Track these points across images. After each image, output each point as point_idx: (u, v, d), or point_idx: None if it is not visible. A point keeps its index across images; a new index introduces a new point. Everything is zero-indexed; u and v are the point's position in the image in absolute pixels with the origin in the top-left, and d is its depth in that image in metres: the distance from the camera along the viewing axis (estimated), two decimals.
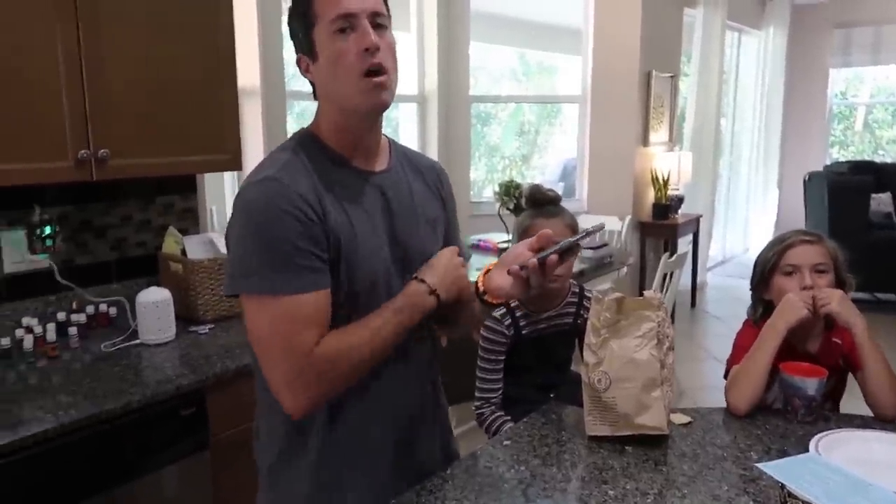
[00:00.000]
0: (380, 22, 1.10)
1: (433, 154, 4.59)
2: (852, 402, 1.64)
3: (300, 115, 3.56)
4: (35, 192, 2.02)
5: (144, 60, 1.95)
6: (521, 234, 1.78)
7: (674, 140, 5.59)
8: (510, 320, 1.82)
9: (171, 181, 2.37)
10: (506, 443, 1.40)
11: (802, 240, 1.63)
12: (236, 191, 2.94)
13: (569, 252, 1.14)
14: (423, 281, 1.18)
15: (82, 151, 1.81)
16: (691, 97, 5.82)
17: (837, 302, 1.50)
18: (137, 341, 1.97)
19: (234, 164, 2.24)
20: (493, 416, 1.79)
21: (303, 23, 1.12)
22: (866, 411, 1.53)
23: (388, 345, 1.15)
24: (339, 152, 1.17)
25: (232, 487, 1.84)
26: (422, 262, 1.22)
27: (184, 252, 2.21)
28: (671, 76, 5.35)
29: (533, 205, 1.81)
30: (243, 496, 1.78)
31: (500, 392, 1.82)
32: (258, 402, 1.25)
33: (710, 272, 6.47)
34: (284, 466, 1.21)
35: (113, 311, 2.13)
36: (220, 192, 2.86)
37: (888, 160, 7.19)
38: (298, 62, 1.16)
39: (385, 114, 1.19)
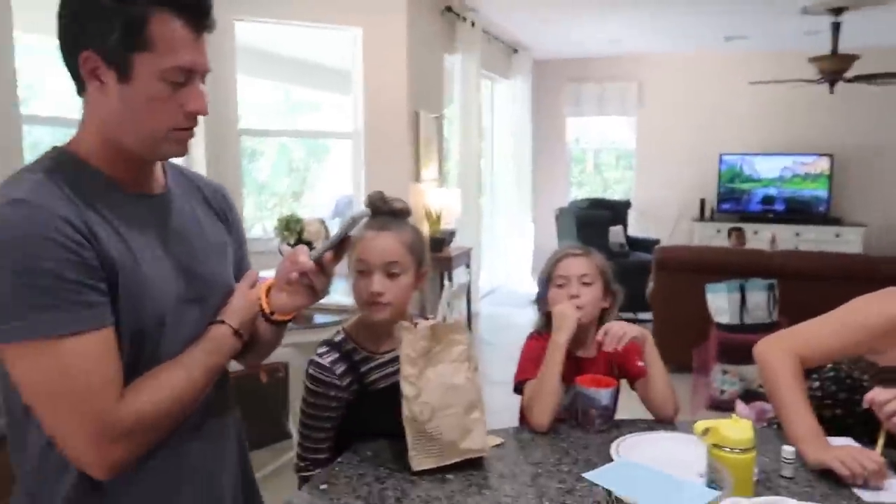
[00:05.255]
0: (203, 80, 1.03)
1: None
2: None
3: (33, 146, 3.07)
4: None
5: None
6: (341, 245, 1.16)
7: (442, 177, 5.87)
8: (344, 367, 1.43)
9: None
10: (322, 487, 1.30)
11: (570, 253, 1.75)
12: None
13: (342, 246, 1.13)
14: (224, 323, 1.09)
15: None
16: (455, 137, 6.18)
17: (632, 331, 1.59)
18: None
19: None
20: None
21: (124, 34, 0.93)
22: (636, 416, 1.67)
23: (202, 390, 1.04)
24: (109, 175, 1.01)
25: None
26: (214, 292, 1.11)
27: None
28: (437, 116, 5.64)
29: (371, 214, 1.43)
30: None
31: (329, 451, 1.48)
32: (24, 476, 1.02)
33: (482, 302, 6.85)
34: None
35: None
36: None
37: (616, 198, 8.27)
38: (82, 58, 0.95)
39: None
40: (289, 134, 5.66)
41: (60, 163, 0.99)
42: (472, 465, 1.37)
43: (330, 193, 6.50)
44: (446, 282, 4.24)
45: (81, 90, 1.00)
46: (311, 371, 1.44)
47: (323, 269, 1.11)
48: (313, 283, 1.11)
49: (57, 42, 0.98)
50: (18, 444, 1.01)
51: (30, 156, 2.79)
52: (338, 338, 1.49)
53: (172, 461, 1.05)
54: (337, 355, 1.44)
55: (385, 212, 1.43)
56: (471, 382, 1.38)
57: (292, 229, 3.41)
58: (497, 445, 1.49)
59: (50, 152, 1.01)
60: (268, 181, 6.57)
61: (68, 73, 0.99)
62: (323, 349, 1.46)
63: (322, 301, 1.18)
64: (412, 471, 1.33)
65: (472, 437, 1.34)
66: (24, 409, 0.96)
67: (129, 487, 1.00)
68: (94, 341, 0.92)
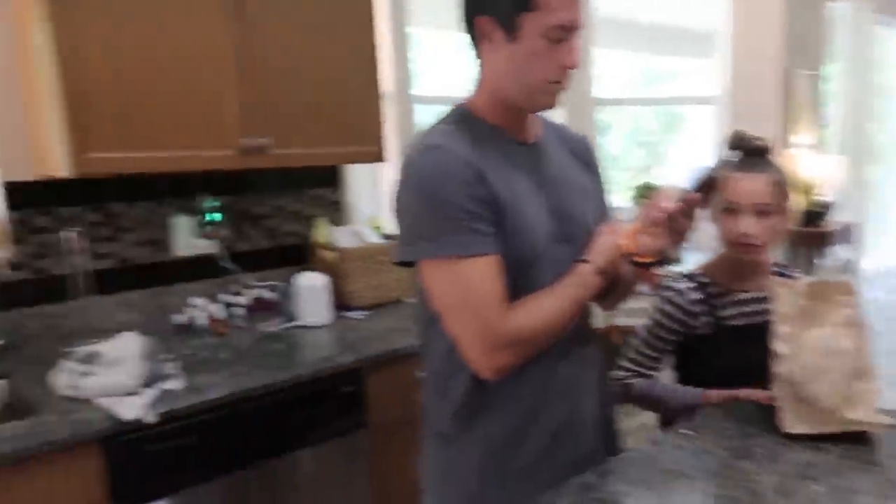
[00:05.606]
0: (577, 37, 1.12)
1: None
2: None
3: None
4: (199, 181, 2.14)
5: (299, 57, 2.02)
6: (707, 185, 1.14)
7: (819, 143, 5.22)
8: (698, 296, 1.46)
9: (316, 175, 2.46)
10: (684, 431, 1.31)
11: None
12: (374, 185, 3.01)
13: (708, 189, 1.11)
14: (589, 262, 1.17)
15: (245, 139, 1.88)
16: (838, 97, 5.43)
17: None
18: (296, 323, 2.05)
19: (380, 155, 2.29)
20: (649, 382, 1.50)
21: None
22: None
23: (570, 320, 1.14)
24: (495, 125, 1.17)
25: (389, 468, 1.88)
26: (582, 233, 1.19)
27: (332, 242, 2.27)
28: (813, 74, 5.02)
29: (734, 152, 1.45)
30: (400, 476, 1.82)
31: (655, 371, 1.51)
32: (431, 374, 1.24)
33: (870, 286, 5.91)
34: (458, 434, 1.20)
35: (272, 295, 2.20)
36: (359, 187, 2.96)
37: None
38: (478, 22, 1.12)
39: None
40: (645, 102, 5.58)
41: (462, 117, 1.17)
42: (853, 439, 1.23)
43: (683, 165, 6.26)
44: (820, 260, 3.80)
45: (479, 53, 1.17)
46: (663, 293, 1.50)
47: (688, 211, 1.11)
48: (678, 225, 1.12)
49: (443, 30, 1.16)
50: (427, 349, 1.23)
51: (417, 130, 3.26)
52: (695, 272, 1.51)
53: (543, 377, 1.18)
54: (693, 284, 1.49)
55: (747, 150, 1.43)
56: (858, 349, 1.24)
57: (647, 196, 3.41)
58: (889, 426, 1.32)
59: (454, 109, 1.20)
60: (620, 154, 6.59)
61: (468, 39, 1.16)
62: (680, 278, 1.50)
63: (674, 269, 1.18)
64: (783, 432, 1.26)
65: (857, 408, 1.21)
66: (430, 320, 1.17)
67: (510, 389, 1.16)
68: (487, 264, 1.07)
